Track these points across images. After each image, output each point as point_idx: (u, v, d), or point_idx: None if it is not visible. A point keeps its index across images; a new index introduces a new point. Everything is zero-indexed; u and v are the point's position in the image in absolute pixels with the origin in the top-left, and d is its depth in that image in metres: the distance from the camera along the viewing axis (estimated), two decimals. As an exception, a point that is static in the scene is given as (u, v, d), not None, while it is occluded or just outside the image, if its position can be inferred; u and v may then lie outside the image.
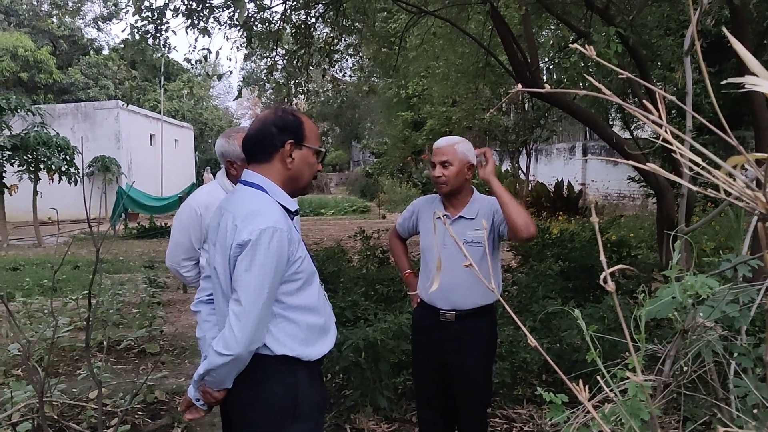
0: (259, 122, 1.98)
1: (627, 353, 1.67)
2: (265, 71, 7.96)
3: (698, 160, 0.91)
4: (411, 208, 3.00)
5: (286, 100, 8.07)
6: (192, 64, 6.51)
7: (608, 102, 10.52)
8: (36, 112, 13.55)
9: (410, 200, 3.59)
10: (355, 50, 8.83)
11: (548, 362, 3.17)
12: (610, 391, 1.35)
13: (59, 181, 13.85)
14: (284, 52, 7.57)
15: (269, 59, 7.35)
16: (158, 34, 5.68)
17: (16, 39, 27.18)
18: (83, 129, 21.32)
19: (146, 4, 5.43)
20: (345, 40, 8.23)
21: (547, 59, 9.85)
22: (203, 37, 5.59)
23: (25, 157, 13.15)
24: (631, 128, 8.99)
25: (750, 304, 1.76)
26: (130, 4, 5.57)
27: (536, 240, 6.83)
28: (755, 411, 1.61)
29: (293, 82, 8.11)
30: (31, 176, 13.41)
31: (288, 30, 7.16)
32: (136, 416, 4.00)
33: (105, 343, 5.29)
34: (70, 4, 35.53)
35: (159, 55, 6.28)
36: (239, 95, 7.87)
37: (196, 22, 5.72)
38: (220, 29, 6.05)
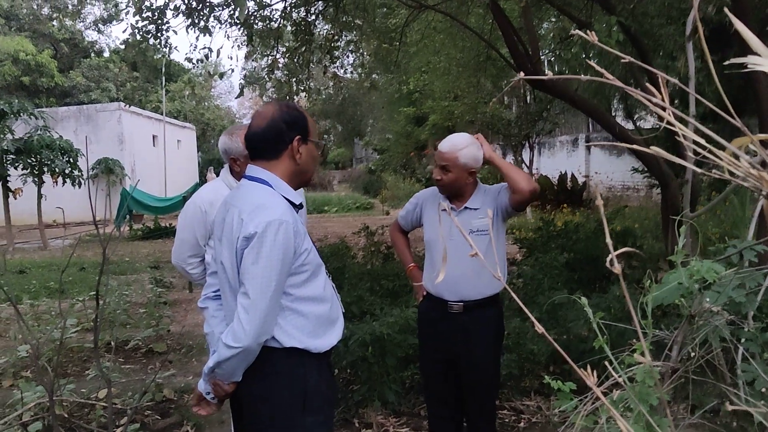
0: (265, 119, 1.97)
1: (634, 341, 1.67)
2: (266, 69, 7.96)
3: (703, 142, 0.91)
4: (414, 201, 2.99)
5: (288, 98, 8.07)
6: (193, 64, 6.52)
7: (610, 92, 10.50)
8: (39, 116, 13.59)
9: (414, 196, 3.59)
10: (356, 47, 8.82)
11: (555, 353, 3.19)
12: (619, 377, 1.35)
13: (63, 183, 13.88)
14: (285, 49, 7.57)
15: (270, 57, 7.36)
16: (159, 34, 5.70)
17: (17, 43, 27.26)
18: (86, 131, 21.36)
19: (147, 4, 5.43)
20: (345, 37, 8.22)
21: (548, 51, 9.82)
22: (204, 36, 5.60)
23: (29, 161, 13.19)
24: (634, 118, 8.95)
25: (756, 289, 1.76)
26: (130, 4, 5.57)
27: (541, 232, 6.82)
28: (763, 391, 1.61)
29: (294, 79, 8.11)
30: (35, 179, 13.45)
31: (288, 27, 7.16)
32: (146, 415, 4.02)
33: (113, 343, 5.33)
34: (70, 6, 35.57)
35: (160, 55, 6.28)
36: (241, 93, 7.89)
37: (196, 21, 5.72)
38: (220, 28, 6.05)
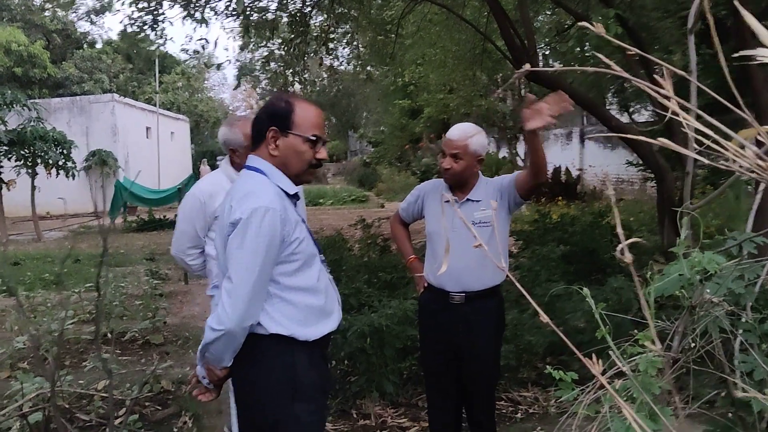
0: (260, 108, 2.05)
1: (634, 331, 1.69)
2: (261, 61, 7.93)
3: (711, 133, 0.91)
4: (416, 193, 3.00)
5: (283, 89, 8.04)
6: (190, 55, 6.50)
7: (605, 86, 10.51)
8: (32, 107, 13.50)
9: (409, 189, 3.58)
10: (352, 38, 8.79)
11: (552, 345, 3.21)
12: (623, 366, 1.37)
13: (57, 175, 13.81)
14: (281, 41, 7.54)
15: (266, 49, 7.33)
16: (155, 25, 5.67)
17: (9, 34, 26.99)
18: (79, 123, 21.27)
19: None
20: (341, 28, 8.20)
21: (542, 44, 9.82)
22: (200, 26, 5.57)
23: (22, 152, 13.11)
24: (629, 111, 8.97)
25: (755, 281, 1.78)
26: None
27: (537, 224, 6.85)
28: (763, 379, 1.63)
29: (290, 71, 8.09)
30: (29, 171, 13.38)
31: (284, 19, 7.13)
32: (144, 406, 4.03)
33: (109, 334, 5.33)
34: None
35: (155, 46, 6.25)
36: (238, 85, 7.93)
37: (192, 12, 5.70)
38: (216, 19, 6.03)
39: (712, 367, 1.77)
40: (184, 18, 5.75)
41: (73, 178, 14.04)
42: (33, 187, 13.66)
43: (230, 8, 5.99)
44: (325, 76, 26.10)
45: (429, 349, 2.94)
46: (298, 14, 6.95)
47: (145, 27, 5.68)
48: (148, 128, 24.82)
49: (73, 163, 13.97)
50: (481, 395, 2.82)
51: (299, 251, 1.93)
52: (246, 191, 1.92)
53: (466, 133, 2.68)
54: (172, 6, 5.66)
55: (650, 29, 6.16)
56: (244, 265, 1.83)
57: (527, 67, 1.39)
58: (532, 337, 4.13)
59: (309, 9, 7.23)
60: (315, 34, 7.69)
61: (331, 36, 7.88)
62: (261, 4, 6.33)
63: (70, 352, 5.31)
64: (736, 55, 0.92)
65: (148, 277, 7.52)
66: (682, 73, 1.04)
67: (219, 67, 8.69)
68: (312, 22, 7.77)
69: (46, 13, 33.32)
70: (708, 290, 1.66)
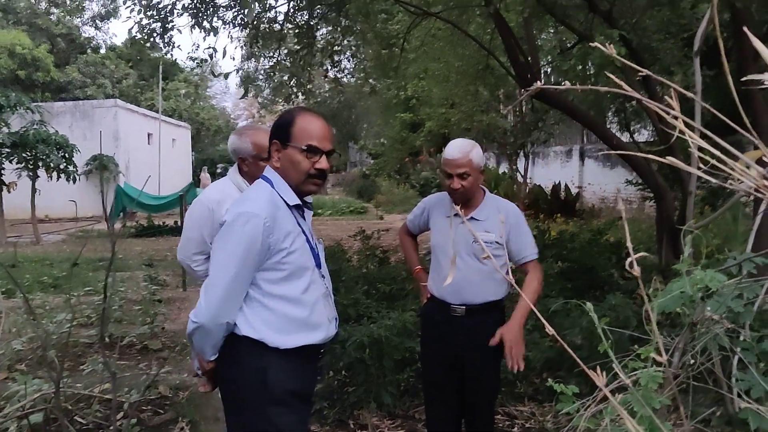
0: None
1: (634, 347, 1.72)
2: (266, 70, 7.99)
3: (718, 153, 0.95)
4: (422, 206, 3.06)
5: (287, 99, 8.10)
6: (198, 63, 6.55)
7: (606, 104, 10.59)
8: (35, 110, 13.55)
9: (408, 201, 3.63)
10: (357, 51, 8.86)
11: (549, 361, 3.23)
12: (626, 379, 1.39)
13: (57, 179, 13.83)
14: (287, 51, 7.61)
15: (272, 59, 7.40)
16: (165, 33, 5.73)
17: (14, 37, 27.13)
18: (81, 127, 21.31)
19: (154, 1, 5.47)
20: (347, 41, 8.27)
21: (544, 62, 9.90)
22: (209, 35, 5.63)
23: (24, 155, 13.13)
24: (630, 130, 9.04)
25: (754, 300, 1.81)
26: (136, 1, 5.60)
27: (536, 240, 6.87)
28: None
29: (294, 81, 8.15)
30: (30, 174, 13.39)
31: (291, 30, 7.20)
32: (142, 410, 4.03)
33: (107, 339, 5.33)
34: (68, 1, 35.48)
35: (162, 53, 6.31)
36: (245, 94, 7.93)
37: (200, 21, 5.76)
38: (224, 28, 6.09)
39: (713, 384, 1.80)
40: (191, 27, 5.81)
41: (74, 182, 14.06)
42: (33, 190, 13.66)
43: (239, 18, 6.06)
44: (327, 87, 26.24)
45: (430, 360, 2.96)
46: (305, 26, 7.02)
47: (155, 35, 5.74)
48: (149, 134, 24.87)
49: (75, 167, 13.99)
50: (482, 407, 2.84)
51: (287, 262, 1.98)
52: (243, 197, 2.06)
53: (465, 149, 2.69)
54: (182, 14, 5.72)
55: (651, 50, 6.23)
56: (222, 265, 1.94)
57: (538, 85, 1.43)
58: (529, 353, 4.14)
59: (315, 21, 7.30)
60: (321, 46, 7.76)
61: (337, 48, 7.94)
62: (269, 15, 6.40)
63: (68, 355, 5.31)
64: (745, 78, 0.95)
65: (146, 282, 7.52)
66: (687, 92, 1.08)
67: (227, 76, 8.81)
68: (318, 33, 7.85)
69: (52, 17, 33.50)
70: (709, 308, 1.69)
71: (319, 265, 2.14)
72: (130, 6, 5.62)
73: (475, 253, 2.68)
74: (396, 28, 9.19)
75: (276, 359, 1.99)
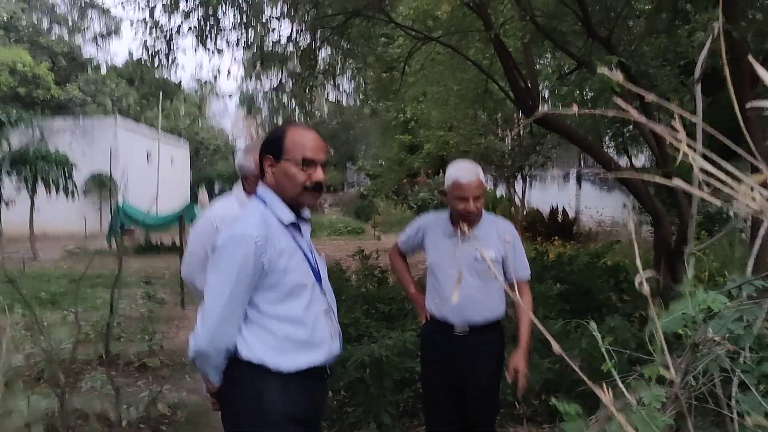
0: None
1: (635, 367, 1.74)
2: (270, 92, 8.08)
3: (723, 176, 0.98)
4: (416, 226, 3.06)
5: (288, 119, 8.19)
6: (201, 83, 6.65)
7: (603, 129, 10.70)
8: (36, 128, 13.63)
9: (405, 222, 3.67)
10: (358, 74, 8.97)
11: (548, 382, 3.24)
12: (630, 398, 1.41)
13: (57, 195, 13.86)
14: (289, 73, 7.71)
15: (275, 80, 7.52)
16: (169, 53, 5.81)
17: (15, 54, 27.28)
18: (81, 145, 21.38)
19: (160, 23, 5.57)
20: (349, 63, 8.38)
21: (542, 86, 10.01)
22: (214, 56, 5.72)
23: (24, 172, 13.17)
24: (629, 154, 9.13)
25: (754, 322, 1.84)
26: (141, 23, 5.69)
27: (535, 262, 6.91)
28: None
29: (296, 102, 8.24)
30: (29, 190, 13.42)
31: (293, 52, 7.30)
32: (140, 428, 4.01)
33: (104, 356, 5.31)
34: (70, 20, 35.80)
35: (166, 73, 6.41)
36: (249, 113, 8.00)
37: (205, 42, 5.84)
38: (228, 49, 6.18)
39: (713, 405, 1.82)
40: (195, 48, 5.90)
41: (73, 199, 14.09)
42: (32, 207, 13.68)
43: (243, 40, 6.15)
44: (326, 109, 26.43)
45: (430, 380, 2.97)
46: (307, 48, 7.12)
47: (160, 54, 5.82)
48: (149, 153, 24.95)
49: (74, 184, 14.04)
50: (482, 427, 2.84)
51: (285, 282, 1.95)
52: (234, 219, 2.03)
53: (476, 172, 2.74)
54: (186, 35, 5.82)
55: (648, 77, 6.32)
56: (215, 289, 1.91)
57: (541, 110, 1.47)
58: (528, 373, 4.16)
59: (318, 44, 7.40)
60: (322, 68, 7.86)
61: (338, 71, 8.05)
62: (273, 38, 6.50)
63: (66, 372, 5.29)
64: (749, 105, 1.00)
65: (144, 300, 7.52)
66: (691, 116, 1.12)
67: (231, 97, 8.95)
68: (320, 56, 7.95)
69: (53, 36, 33.76)
70: (710, 329, 1.72)
71: (319, 281, 2.10)
72: (135, 27, 5.70)
73: (477, 271, 2.70)
74: (396, 51, 9.31)
75: (275, 382, 1.95)
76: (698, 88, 1.86)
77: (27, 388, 4.48)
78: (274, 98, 8.10)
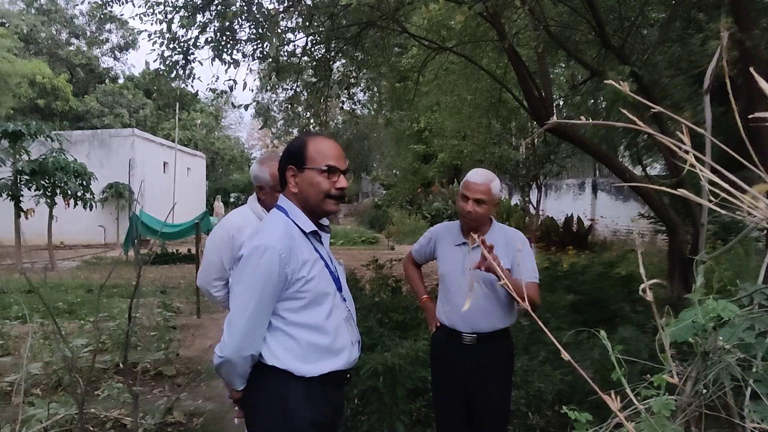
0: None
1: (646, 376, 1.75)
2: (282, 102, 8.17)
3: (728, 187, 1.00)
4: (429, 235, 3.10)
5: (303, 130, 8.27)
6: (218, 95, 6.73)
7: (617, 138, 10.67)
8: (55, 138, 13.82)
9: (419, 232, 3.70)
10: (372, 83, 9.04)
11: (561, 393, 3.24)
12: (639, 406, 1.42)
13: (75, 206, 14.02)
14: (303, 84, 7.78)
15: (291, 90, 7.59)
16: (186, 65, 5.91)
17: (35, 66, 27.73)
18: (98, 155, 21.64)
19: (178, 35, 5.66)
20: (363, 73, 8.45)
21: (555, 95, 10.02)
22: (230, 68, 5.80)
23: (43, 182, 13.35)
24: (643, 164, 9.10)
25: (766, 330, 1.84)
26: (158, 35, 5.78)
27: (548, 272, 6.90)
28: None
29: (311, 113, 8.31)
30: (48, 201, 13.59)
31: (308, 63, 7.37)
32: (156, 436, 4.05)
33: (121, 365, 5.37)
34: (88, 33, 36.33)
35: (183, 85, 6.51)
36: (265, 124, 8.08)
37: (221, 54, 5.92)
38: (244, 61, 6.26)
39: (724, 414, 1.82)
40: (212, 60, 5.98)
41: (91, 209, 14.25)
42: (51, 217, 13.85)
43: (258, 51, 6.23)
44: (340, 119, 26.56)
45: (441, 388, 2.98)
46: (322, 59, 7.19)
47: (178, 66, 5.91)
48: (165, 163, 25.18)
49: (92, 194, 14.20)
50: (493, 435, 2.85)
51: (306, 290, 1.99)
52: (259, 229, 2.07)
53: (487, 178, 2.77)
54: (202, 47, 5.90)
55: (661, 86, 6.31)
56: (241, 299, 1.96)
57: (554, 119, 1.50)
58: (541, 384, 4.15)
59: (332, 54, 7.47)
60: (337, 79, 7.93)
61: (352, 81, 8.11)
62: (288, 49, 6.57)
63: (83, 381, 5.35)
64: (752, 116, 1.02)
65: (160, 309, 7.59)
66: (698, 128, 1.14)
67: (247, 107, 9.06)
68: (335, 66, 8.02)
69: (71, 48, 34.28)
70: (721, 337, 1.72)
71: (340, 288, 2.15)
72: (154, 39, 5.80)
73: (485, 280, 2.72)
74: (410, 61, 9.37)
75: (299, 387, 2.00)
76: (707, 99, 1.87)
77: (45, 396, 4.56)
78: (290, 109, 8.13)
